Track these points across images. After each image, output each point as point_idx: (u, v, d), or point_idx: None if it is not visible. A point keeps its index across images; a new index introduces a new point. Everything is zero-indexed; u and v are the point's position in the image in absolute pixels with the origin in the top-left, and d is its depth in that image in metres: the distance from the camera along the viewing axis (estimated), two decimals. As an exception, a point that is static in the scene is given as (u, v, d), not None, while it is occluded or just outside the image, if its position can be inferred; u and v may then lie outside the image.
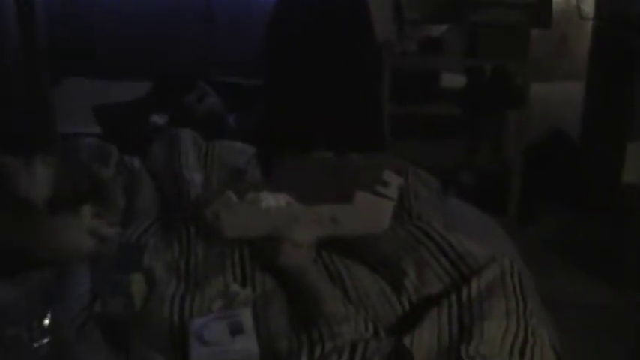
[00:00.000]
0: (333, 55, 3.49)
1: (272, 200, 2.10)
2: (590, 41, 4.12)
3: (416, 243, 2.00)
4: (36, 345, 1.52)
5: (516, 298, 1.81)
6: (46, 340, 1.54)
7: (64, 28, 4.28)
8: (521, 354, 1.68)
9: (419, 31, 3.92)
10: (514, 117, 4.24)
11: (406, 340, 1.65)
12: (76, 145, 2.61)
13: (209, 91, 3.52)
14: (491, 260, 1.91)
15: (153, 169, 2.50)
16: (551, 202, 4.12)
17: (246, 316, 1.66)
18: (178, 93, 3.51)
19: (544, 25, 3.85)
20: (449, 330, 1.72)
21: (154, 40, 4.20)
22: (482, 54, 3.91)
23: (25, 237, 1.95)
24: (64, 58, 4.12)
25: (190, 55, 4.12)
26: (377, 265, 1.95)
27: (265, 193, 2.10)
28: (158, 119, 3.26)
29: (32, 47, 3.78)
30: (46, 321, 1.58)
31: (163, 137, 2.69)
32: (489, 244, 2.09)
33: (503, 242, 2.29)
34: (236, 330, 1.60)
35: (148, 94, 3.63)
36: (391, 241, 2.02)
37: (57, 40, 4.02)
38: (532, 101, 3.96)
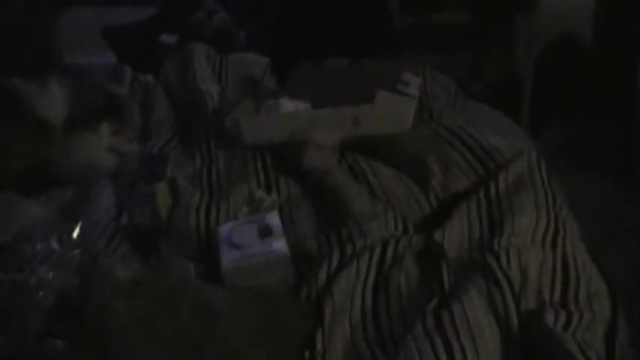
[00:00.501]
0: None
1: (291, 106, 2.07)
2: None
3: (440, 141, 1.97)
4: (67, 256, 1.51)
5: (545, 192, 1.79)
6: (76, 252, 1.53)
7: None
8: (553, 245, 1.67)
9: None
10: (524, 23, 4.16)
11: (437, 236, 1.65)
12: (88, 67, 2.60)
13: (217, 7, 3.46)
14: (518, 154, 1.89)
15: (167, 86, 2.48)
16: (562, 109, 4.07)
17: (274, 219, 1.64)
18: (186, 11, 3.45)
19: None
20: (479, 225, 1.71)
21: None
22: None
23: (47, 157, 1.94)
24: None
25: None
26: (402, 164, 1.92)
27: (284, 99, 2.08)
28: (167, 38, 3.22)
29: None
30: (75, 234, 1.58)
31: (175, 55, 2.67)
32: (512, 141, 2.06)
33: (525, 140, 2.25)
34: (265, 232, 1.59)
35: (156, 14, 3.57)
36: (415, 140, 1.99)
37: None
38: (542, 6, 3.88)
